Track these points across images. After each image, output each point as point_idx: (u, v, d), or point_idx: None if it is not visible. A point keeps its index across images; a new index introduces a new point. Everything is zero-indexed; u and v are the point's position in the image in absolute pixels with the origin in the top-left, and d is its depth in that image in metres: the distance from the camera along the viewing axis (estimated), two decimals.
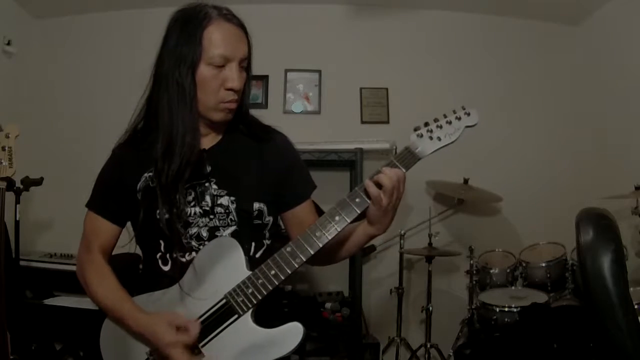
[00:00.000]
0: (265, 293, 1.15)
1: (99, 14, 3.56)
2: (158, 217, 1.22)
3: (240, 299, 1.15)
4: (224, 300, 1.16)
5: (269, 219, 1.31)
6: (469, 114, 1.24)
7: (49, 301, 2.70)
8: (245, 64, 1.26)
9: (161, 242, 1.25)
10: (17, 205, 2.62)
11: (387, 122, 3.57)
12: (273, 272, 1.15)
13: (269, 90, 3.59)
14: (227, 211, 1.26)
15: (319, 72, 3.61)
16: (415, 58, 3.62)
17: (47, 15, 3.53)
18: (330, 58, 3.60)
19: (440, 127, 1.22)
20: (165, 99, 1.21)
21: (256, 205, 1.27)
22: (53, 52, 3.55)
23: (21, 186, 2.63)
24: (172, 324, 1.14)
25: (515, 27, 3.67)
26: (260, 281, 1.15)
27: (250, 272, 1.17)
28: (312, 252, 1.14)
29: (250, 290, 1.15)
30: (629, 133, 3.14)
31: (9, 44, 3.23)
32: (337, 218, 1.15)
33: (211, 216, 1.26)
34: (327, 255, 1.29)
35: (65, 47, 3.56)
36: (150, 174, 1.25)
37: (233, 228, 1.26)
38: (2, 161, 2.11)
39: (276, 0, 3.57)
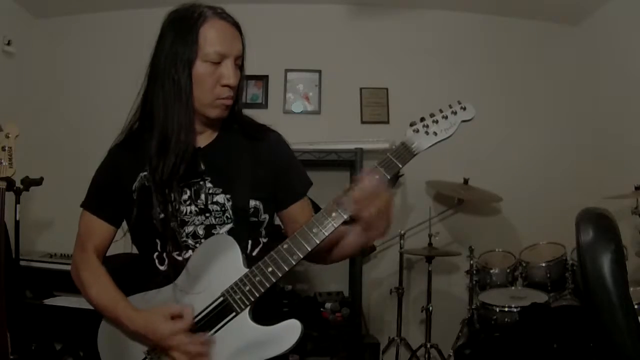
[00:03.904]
0: (262, 290, 1.13)
1: (98, 13, 3.56)
2: (153, 216, 1.22)
3: (238, 296, 1.14)
4: (221, 298, 1.15)
5: (265, 217, 1.31)
6: (464, 108, 1.23)
7: (49, 301, 2.70)
8: (240, 62, 1.27)
9: (157, 241, 1.25)
10: (17, 205, 2.62)
11: (387, 122, 3.57)
12: (270, 269, 1.13)
13: (269, 90, 3.59)
14: (222, 209, 1.26)
15: (319, 72, 3.61)
16: (415, 58, 3.62)
17: (47, 15, 3.54)
18: (330, 58, 3.60)
19: (436, 121, 1.22)
20: (160, 97, 1.22)
21: (252, 203, 1.27)
22: (53, 52, 3.56)
23: (21, 186, 2.63)
24: (167, 315, 1.14)
25: (515, 27, 3.67)
26: (257, 278, 1.13)
27: (248, 270, 1.15)
28: (309, 249, 1.13)
29: (247, 288, 1.14)
30: (629, 133, 3.14)
31: (9, 44, 3.23)
32: (333, 214, 1.14)
33: (207, 214, 1.25)
34: (323, 255, 1.29)
35: (65, 47, 3.56)
36: (146, 173, 1.25)
37: (229, 226, 1.26)
38: (2, 161, 2.11)
39: (276, 0, 3.57)
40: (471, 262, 3.18)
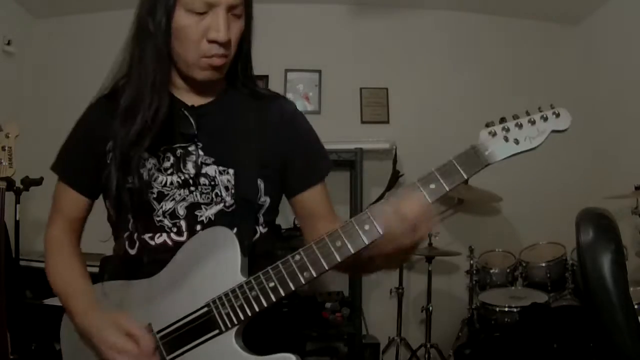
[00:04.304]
0: (256, 310, 0.92)
1: (98, 14, 3.56)
2: (129, 185, 1.03)
3: (225, 311, 0.93)
4: (205, 309, 0.95)
5: (265, 200, 1.09)
6: (558, 115, 0.97)
7: (49, 301, 2.69)
8: (240, 11, 1.03)
9: (129, 218, 1.05)
10: (17, 205, 2.62)
11: (387, 122, 3.57)
12: (272, 284, 0.92)
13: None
14: (212, 183, 1.05)
15: (319, 72, 3.61)
16: (415, 58, 3.62)
17: (47, 15, 3.53)
18: (330, 58, 3.60)
19: (520, 126, 0.96)
20: (137, 50, 1.04)
21: (257, 181, 1.07)
22: (53, 52, 3.55)
23: (21, 186, 2.63)
24: (121, 328, 0.96)
25: (515, 27, 3.67)
26: (253, 293, 0.92)
27: (244, 280, 0.94)
28: (327, 268, 0.90)
29: (239, 303, 0.92)
30: (629, 133, 3.14)
31: (9, 44, 3.23)
32: (367, 227, 0.89)
33: (192, 188, 1.04)
34: (343, 270, 1.07)
35: (65, 47, 3.56)
36: None
37: (218, 207, 1.04)
38: (2, 161, 2.12)
39: (276, 0, 3.57)
40: (471, 262, 3.18)
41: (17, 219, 2.62)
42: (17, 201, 2.62)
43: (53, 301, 2.70)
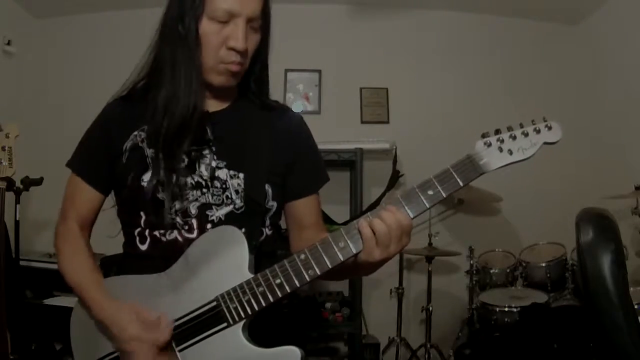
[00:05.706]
0: (263, 304, 0.98)
1: (98, 14, 3.56)
2: (143, 184, 1.08)
3: (234, 305, 0.99)
4: (214, 303, 1.00)
5: (273, 204, 1.16)
6: (550, 128, 1.04)
7: (49, 301, 2.70)
8: (258, 25, 1.15)
9: (142, 214, 1.10)
10: (17, 205, 2.62)
11: (387, 122, 3.57)
12: (278, 280, 0.97)
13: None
14: (223, 187, 1.10)
15: (319, 72, 3.61)
16: (415, 58, 3.62)
17: (47, 15, 3.53)
18: (330, 58, 3.60)
19: (514, 137, 1.02)
20: (169, 53, 1.11)
21: (265, 186, 1.13)
22: (53, 52, 3.55)
23: (21, 186, 2.63)
24: (140, 316, 1.01)
25: (515, 27, 3.67)
26: (260, 289, 0.98)
27: (252, 276, 1.00)
28: (330, 266, 0.96)
29: (246, 298, 0.98)
30: (629, 133, 3.14)
31: (9, 44, 3.23)
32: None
33: (204, 190, 1.10)
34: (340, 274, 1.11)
35: (65, 47, 3.56)
36: (141, 132, 1.12)
37: (228, 209, 1.10)
38: (2, 161, 2.11)
39: (276, 0, 3.57)
40: (471, 262, 3.18)
41: (17, 219, 2.62)
42: (17, 201, 2.62)
43: (53, 301, 2.70)
